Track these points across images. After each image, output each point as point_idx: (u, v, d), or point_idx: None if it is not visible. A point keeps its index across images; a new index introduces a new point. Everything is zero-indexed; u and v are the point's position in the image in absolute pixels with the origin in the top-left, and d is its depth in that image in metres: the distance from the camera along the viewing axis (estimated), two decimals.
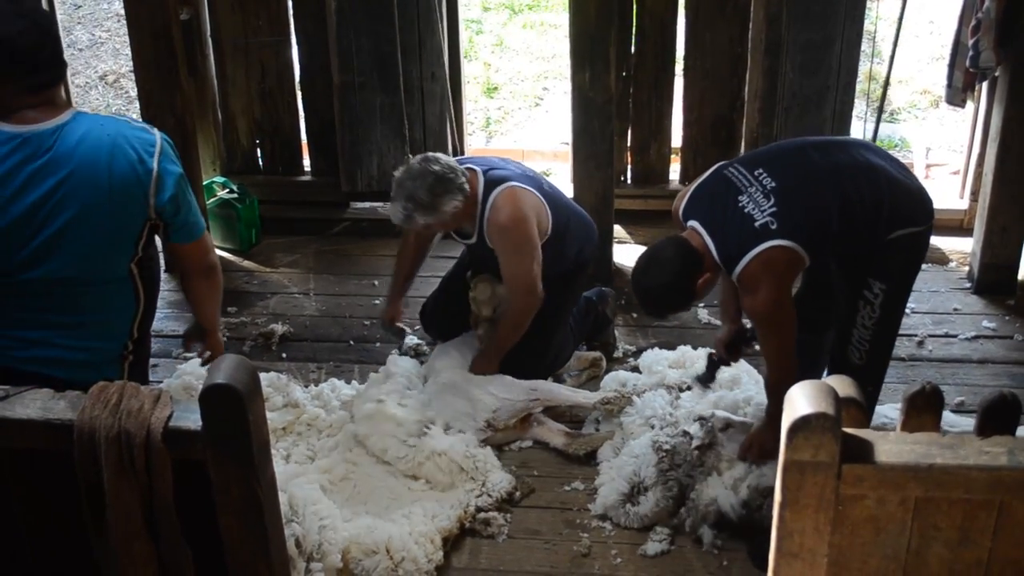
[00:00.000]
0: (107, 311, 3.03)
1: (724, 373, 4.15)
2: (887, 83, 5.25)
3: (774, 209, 3.36)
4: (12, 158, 2.84)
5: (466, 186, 3.89)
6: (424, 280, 4.80)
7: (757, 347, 4.03)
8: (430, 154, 3.95)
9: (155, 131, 3.03)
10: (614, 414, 4.12)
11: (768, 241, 3.34)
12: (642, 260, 3.55)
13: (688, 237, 3.52)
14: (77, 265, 2.92)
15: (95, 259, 2.95)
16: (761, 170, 3.47)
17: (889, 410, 4.02)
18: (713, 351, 4.03)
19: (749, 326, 3.91)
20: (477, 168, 4.03)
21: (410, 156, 5.40)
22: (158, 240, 3.15)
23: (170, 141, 3.06)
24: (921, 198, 3.56)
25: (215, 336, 3.46)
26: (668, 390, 4.17)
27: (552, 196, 4.16)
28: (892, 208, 3.45)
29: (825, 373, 3.86)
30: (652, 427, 3.96)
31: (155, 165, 2.95)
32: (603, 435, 4.09)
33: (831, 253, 3.54)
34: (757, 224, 3.36)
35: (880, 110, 5.49)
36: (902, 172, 3.57)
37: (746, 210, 3.39)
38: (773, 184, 3.42)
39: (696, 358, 4.37)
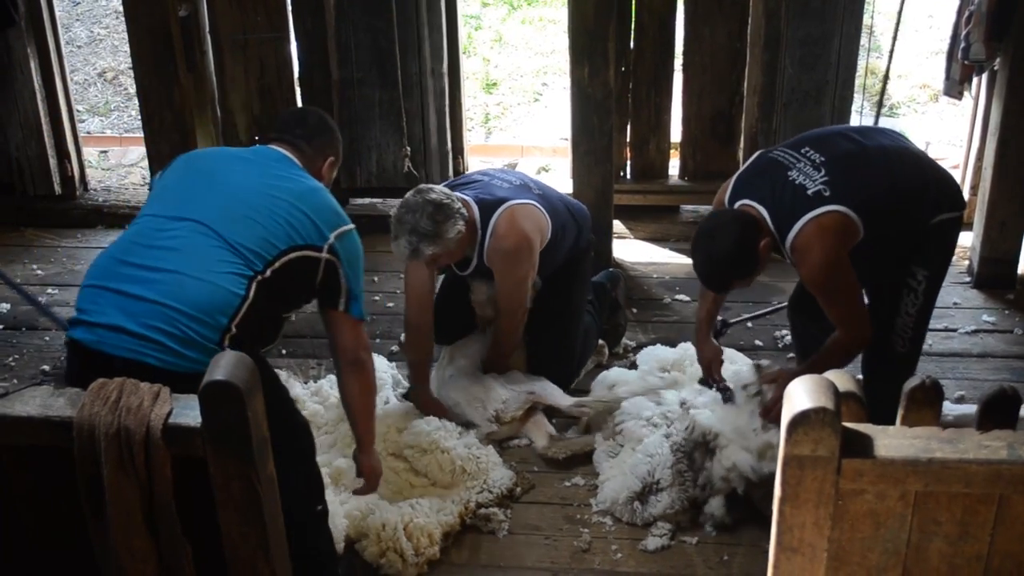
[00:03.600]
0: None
1: (725, 370, 4.15)
2: (886, 77, 5.25)
3: (826, 178, 3.37)
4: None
5: (464, 211, 3.88)
6: None
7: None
8: (423, 185, 3.94)
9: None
10: (589, 420, 4.13)
11: (822, 207, 3.33)
12: (702, 233, 3.49)
13: (744, 210, 3.49)
14: (225, 219, 2.99)
15: (245, 226, 2.98)
16: (807, 148, 3.49)
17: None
18: (716, 385, 3.91)
19: (720, 319, 3.94)
20: (467, 197, 3.99)
21: (409, 150, 5.42)
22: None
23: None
24: (956, 184, 3.63)
25: (367, 456, 3.43)
26: (654, 400, 4.14)
27: (546, 197, 4.15)
28: (937, 191, 3.50)
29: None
30: (655, 426, 3.95)
31: (350, 228, 3.16)
32: (582, 440, 4.09)
33: (882, 233, 3.50)
34: (810, 192, 3.36)
35: (880, 104, 5.49)
36: (934, 161, 3.64)
37: (797, 182, 3.40)
38: (822, 158, 3.43)
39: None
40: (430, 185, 3.93)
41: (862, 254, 3.45)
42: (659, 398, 4.09)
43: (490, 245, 3.96)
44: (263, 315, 3.00)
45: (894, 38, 5.05)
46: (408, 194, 3.90)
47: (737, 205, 3.52)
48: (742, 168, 3.65)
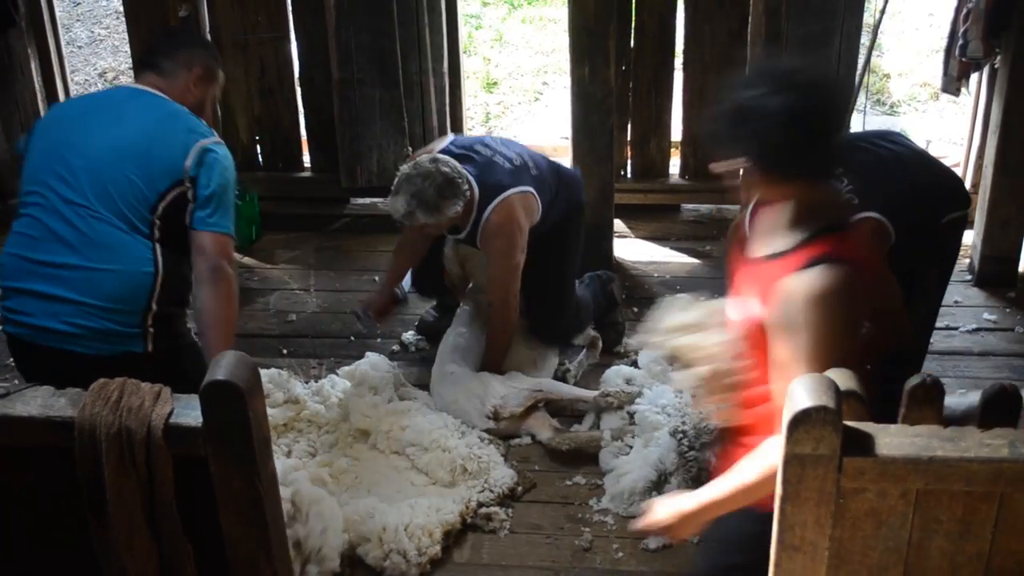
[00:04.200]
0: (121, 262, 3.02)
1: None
2: (864, 72, 5.22)
3: (850, 187, 3.38)
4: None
5: (468, 192, 3.93)
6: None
7: None
8: (439, 155, 3.97)
9: (217, 139, 3.20)
10: (614, 407, 4.13)
11: (855, 215, 3.34)
12: None
13: None
14: (100, 191, 3.01)
15: (118, 190, 3.01)
16: None
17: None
18: None
19: None
20: (470, 177, 4.02)
21: (410, 149, 5.42)
22: None
23: (230, 157, 3.20)
24: (962, 182, 3.72)
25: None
26: (676, 392, 4.17)
27: (541, 176, 4.20)
28: (948, 192, 3.55)
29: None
30: (668, 415, 3.97)
31: (204, 143, 3.10)
32: (588, 434, 4.09)
33: (899, 234, 3.51)
34: None
35: (854, 100, 5.46)
36: (939, 160, 3.69)
37: None
38: (840, 168, 3.43)
39: None
40: (445, 156, 3.97)
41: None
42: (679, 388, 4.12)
43: (485, 230, 4.02)
44: (174, 275, 3.08)
45: (874, 34, 5.02)
46: (422, 157, 3.94)
47: None
48: None
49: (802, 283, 2.24)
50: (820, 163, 2.35)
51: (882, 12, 4.96)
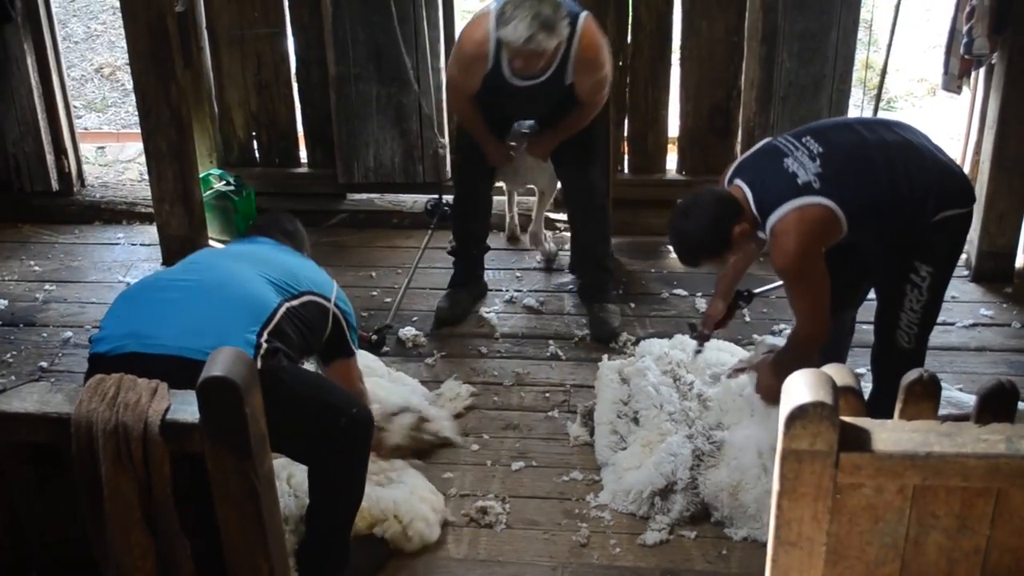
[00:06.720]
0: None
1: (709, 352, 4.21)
2: (884, 71, 5.24)
3: (819, 170, 3.38)
4: None
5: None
6: (425, 293, 4.80)
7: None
8: None
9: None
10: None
11: (808, 197, 3.35)
12: (680, 206, 3.55)
13: (730, 191, 3.54)
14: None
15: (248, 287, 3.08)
16: (808, 137, 3.51)
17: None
18: (695, 324, 4.21)
19: (743, 290, 4.04)
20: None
21: (444, 144, 5.57)
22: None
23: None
24: (964, 180, 3.61)
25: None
26: (675, 380, 4.16)
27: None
28: (940, 189, 3.48)
29: (847, 355, 4.07)
30: (676, 422, 3.95)
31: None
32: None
33: (876, 230, 3.53)
34: (800, 181, 3.38)
35: (878, 98, 5.48)
36: (944, 155, 3.61)
37: (791, 169, 3.42)
38: (820, 149, 3.44)
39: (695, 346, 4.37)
40: None
41: (851, 245, 3.48)
42: (684, 384, 4.13)
43: (578, 57, 4.21)
44: None
45: (892, 32, 5.04)
46: None
47: (731, 184, 3.57)
48: (747, 152, 3.70)
49: None
50: None
51: (896, 10, 4.94)
